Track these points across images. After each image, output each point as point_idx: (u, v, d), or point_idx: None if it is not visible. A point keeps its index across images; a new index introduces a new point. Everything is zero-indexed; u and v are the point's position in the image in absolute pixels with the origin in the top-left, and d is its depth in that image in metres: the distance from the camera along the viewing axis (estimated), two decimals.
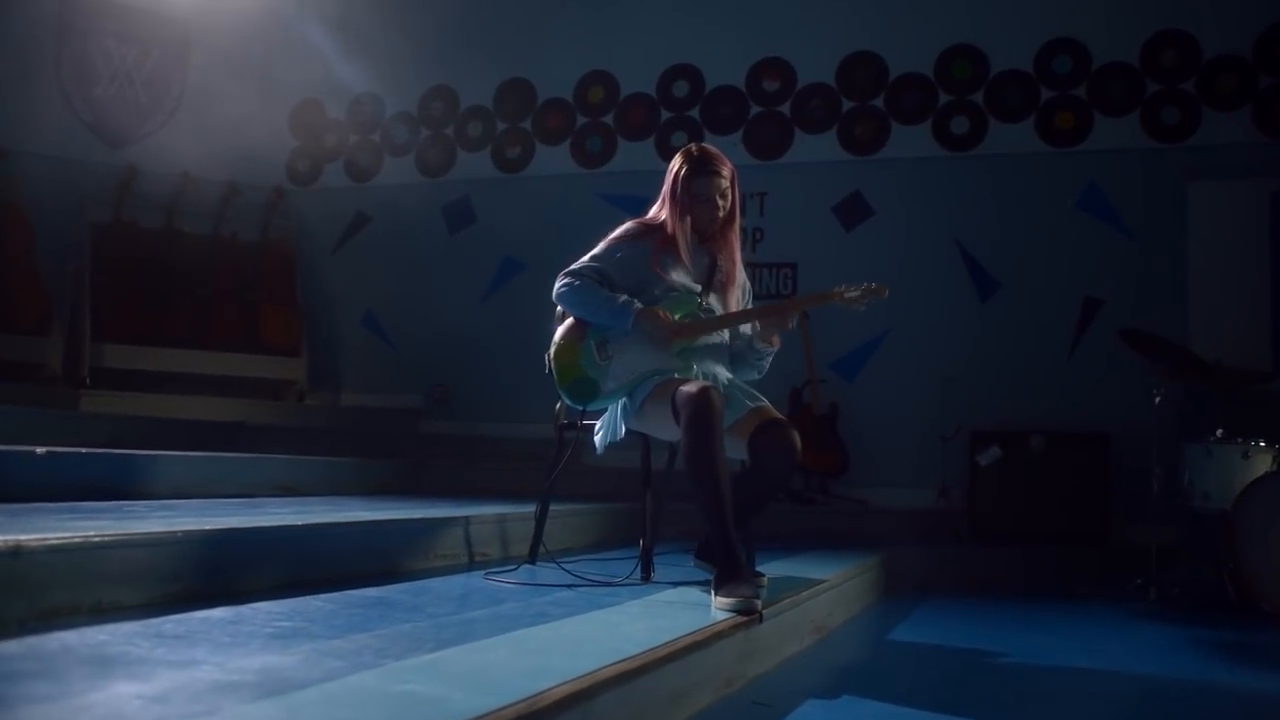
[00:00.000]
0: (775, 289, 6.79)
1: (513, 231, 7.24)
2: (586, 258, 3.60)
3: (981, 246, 6.45)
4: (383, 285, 7.55)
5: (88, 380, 6.50)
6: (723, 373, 3.56)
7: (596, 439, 3.57)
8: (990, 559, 5.52)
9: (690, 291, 3.54)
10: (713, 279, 3.60)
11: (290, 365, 7.27)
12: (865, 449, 6.36)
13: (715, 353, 3.57)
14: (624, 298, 3.49)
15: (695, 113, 7.02)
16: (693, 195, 3.49)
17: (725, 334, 3.61)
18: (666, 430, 3.33)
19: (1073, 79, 6.37)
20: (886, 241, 6.59)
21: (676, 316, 3.51)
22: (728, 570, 3.02)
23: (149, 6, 7.36)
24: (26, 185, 6.65)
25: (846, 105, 6.76)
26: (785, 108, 6.87)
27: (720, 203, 3.51)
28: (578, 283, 3.54)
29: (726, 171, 3.51)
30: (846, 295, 3.48)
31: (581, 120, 7.26)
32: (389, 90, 7.63)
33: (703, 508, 3.13)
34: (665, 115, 7.07)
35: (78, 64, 7.18)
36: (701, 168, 3.47)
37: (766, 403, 3.46)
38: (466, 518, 3.85)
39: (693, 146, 3.57)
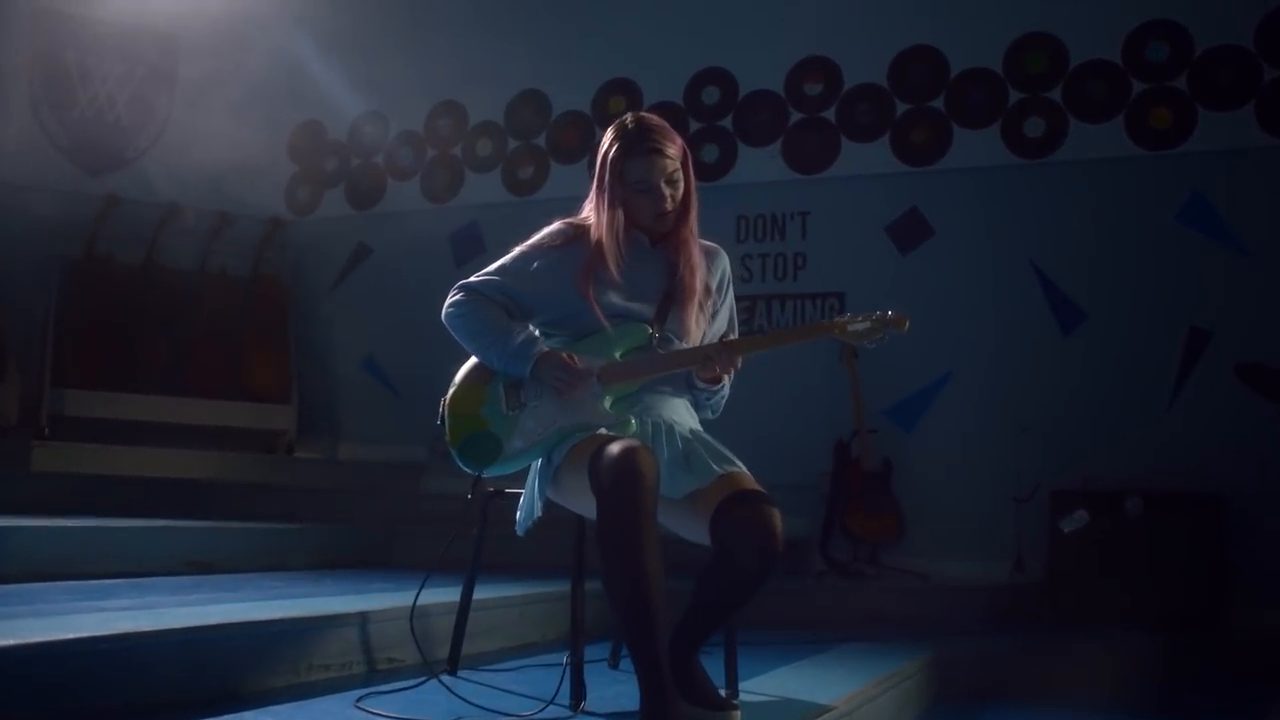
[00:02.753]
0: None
1: None
2: (493, 267, 2.74)
3: (1063, 270, 5.44)
4: (385, 324, 6.75)
5: (46, 431, 5.83)
6: (682, 422, 2.65)
7: (519, 515, 2.69)
8: (1074, 651, 4.46)
9: (636, 319, 2.65)
10: (671, 295, 2.69)
11: (278, 413, 6.51)
12: (925, 512, 5.37)
13: (667, 397, 2.66)
14: (525, 334, 2.63)
15: (727, 122, 6.14)
16: (627, 184, 2.59)
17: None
18: (588, 506, 2.41)
19: (1170, 68, 5.35)
20: (949, 266, 5.62)
21: (618, 355, 2.62)
22: (652, 715, 2.09)
23: (133, 22, 6.72)
24: None
25: (900, 108, 5.82)
26: (830, 113, 5.95)
27: (667, 191, 2.60)
28: (469, 304, 2.68)
29: (674, 150, 2.60)
30: (850, 328, 2.53)
31: (599, 134, 6.41)
32: (393, 107, 6.90)
33: (617, 620, 2.22)
34: (694, 126, 6.19)
35: (52, 85, 6.56)
36: (638, 145, 2.57)
37: (741, 468, 2.53)
38: (363, 614, 2.96)
39: (628, 117, 2.66)
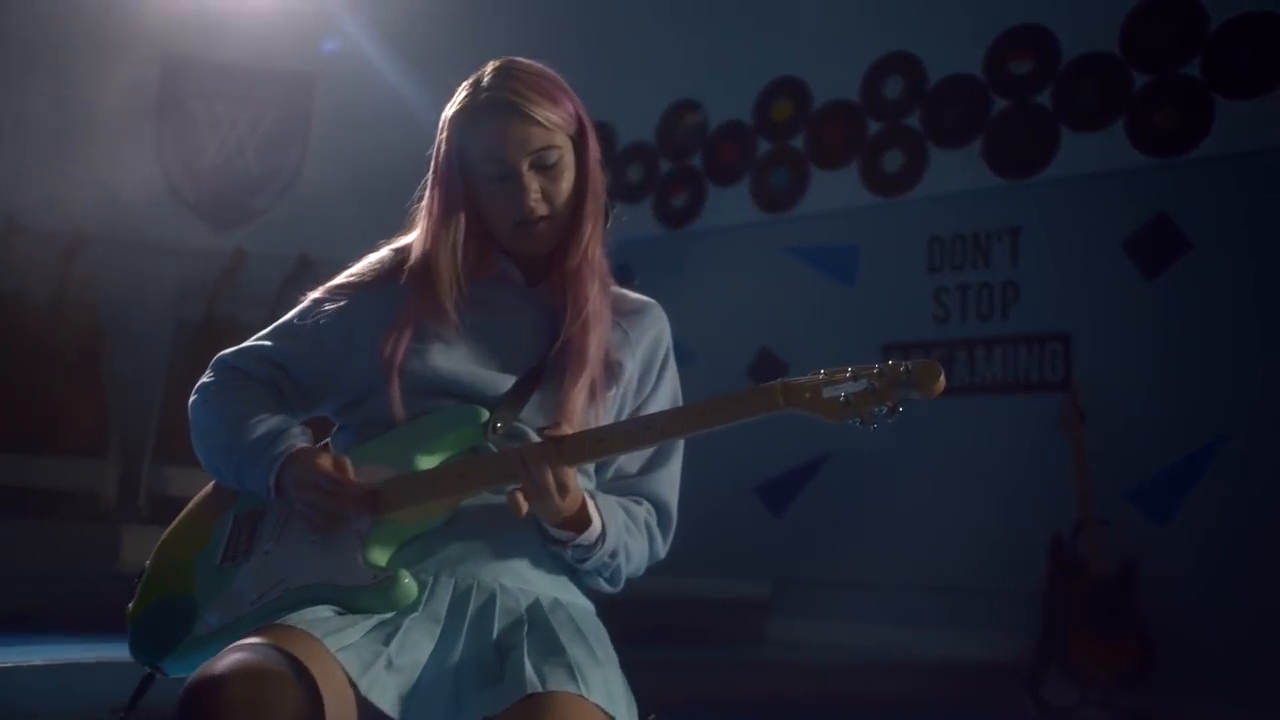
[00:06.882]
0: (1037, 373, 4.40)
1: (681, 306, 5.31)
2: (268, 329, 1.71)
3: None
4: None
5: (145, 513, 5.27)
6: (524, 587, 1.50)
7: None
8: None
9: (474, 398, 1.53)
10: (546, 365, 1.57)
11: None
12: (1182, 637, 3.83)
13: (505, 538, 1.51)
14: (272, 424, 1.57)
15: (914, 119, 4.84)
16: (470, 166, 1.60)
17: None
18: None
19: None
20: (1214, 292, 4.11)
21: (425, 462, 1.51)
22: None
23: (266, 65, 6.19)
24: (108, 278, 5.59)
25: (1139, 81, 4.33)
26: (1044, 97, 4.54)
27: (534, 183, 1.56)
28: (214, 388, 1.66)
29: (550, 113, 1.57)
30: (825, 395, 1.38)
31: (763, 147, 5.26)
32: None
33: None
34: (873, 128, 4.92)
35: (181, 136, 6.10)
36: (487, 101, 1.57)
37: (583, 689, 1.36)
38: None
39: (486, 67, 1.63)
